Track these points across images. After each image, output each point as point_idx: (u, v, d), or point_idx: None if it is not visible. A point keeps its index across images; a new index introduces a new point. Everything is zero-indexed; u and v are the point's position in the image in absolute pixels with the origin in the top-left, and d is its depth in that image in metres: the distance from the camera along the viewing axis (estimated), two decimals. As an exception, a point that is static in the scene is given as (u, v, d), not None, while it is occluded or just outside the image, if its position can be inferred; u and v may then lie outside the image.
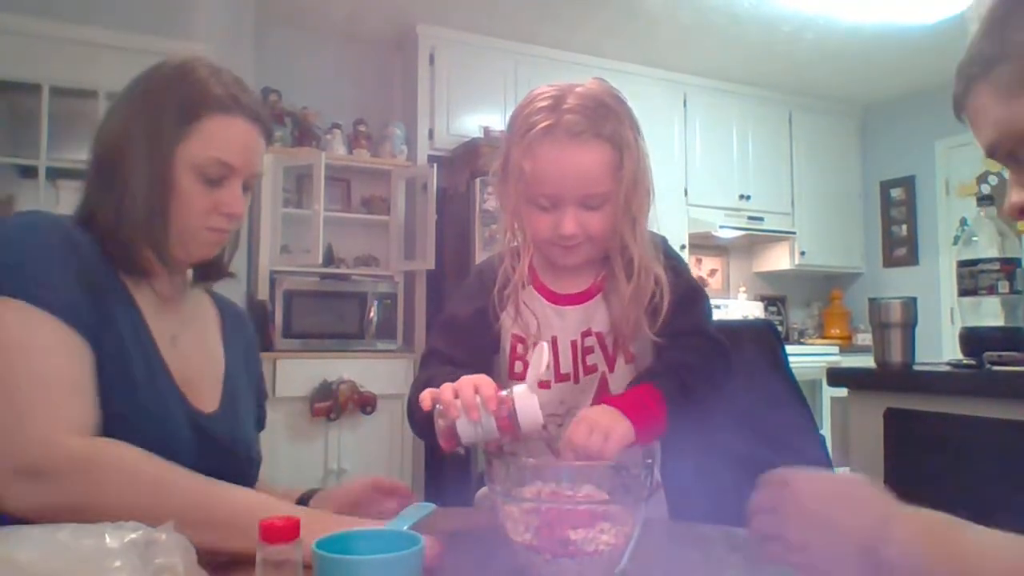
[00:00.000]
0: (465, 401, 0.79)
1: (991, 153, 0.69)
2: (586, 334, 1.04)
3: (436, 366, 1.01)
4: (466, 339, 1.05)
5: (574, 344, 1.04)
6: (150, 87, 0.91)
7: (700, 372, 0.99)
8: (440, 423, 0.80)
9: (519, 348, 1.05)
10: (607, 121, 0.97)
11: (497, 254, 1.09)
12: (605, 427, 0.85)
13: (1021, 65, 0.64)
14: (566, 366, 1.04)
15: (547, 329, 1.05)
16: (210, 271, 1.03)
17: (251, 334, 1.12)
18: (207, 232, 0.92)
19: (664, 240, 1.09)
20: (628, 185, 0.98)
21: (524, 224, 1.02)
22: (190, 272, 1.01)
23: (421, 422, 0.89)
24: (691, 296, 1.05)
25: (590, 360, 1.04)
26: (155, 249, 0.89)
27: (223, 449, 0.92)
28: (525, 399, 0.79)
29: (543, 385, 1.03)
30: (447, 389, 0.82)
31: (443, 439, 0.81)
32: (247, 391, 1.05)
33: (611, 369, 1.04)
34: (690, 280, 1.09)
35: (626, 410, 0.89)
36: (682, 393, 0.96)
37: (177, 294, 0.98)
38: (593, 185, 0.96)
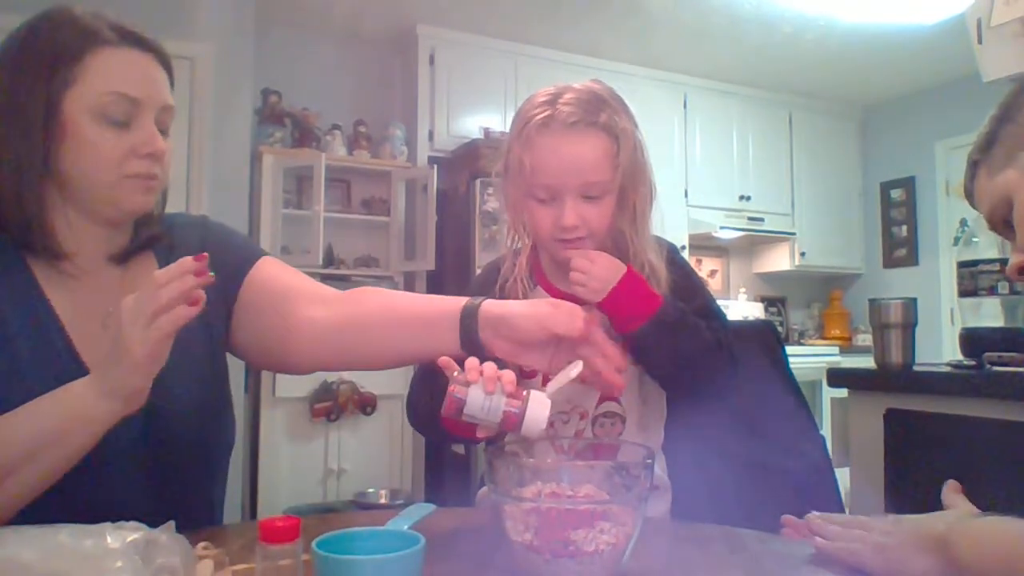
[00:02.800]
0: (488, 374, 0.79)
1: (991, 224, 0.80)
2: None
3: None
4: None
5: None
6: (21, 43, 0.82)
7: (702, 343, 0.98)
8: (452, 388, 0.80)
9: None
10: (602, 111, 0.98)
11: (502, 256, 1.10)
12: (603, 262, 0.97)
13: (1008, 146, 0.76)
14: None
15: None
16: (145, 237, 0.93)
17: (202, 244, 0.95)
18: (129, 181, 0.84)
19: (673, 247, 1.09)
20: (626, 174, 0.99)
21: (526, 220, 1.03)
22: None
23: (422, 410, 0.90)
24: (706, 312, 1.04)
25: None
26: (33, 229, 0.81)
27: (158, 416, 0.84)
28: (539, 403, 0.79)
29: None
30: (473, 359, 0.82)
31: (448, 404, 0.79)
32: (196, 342, 0.91)
33: None
34: (707, 297, 1.08)
35: (630, 274, 0.97)
36: (677, 327, 0.97)
37: (108, 268, 0.90)
38: (591, 174, 0.97)
